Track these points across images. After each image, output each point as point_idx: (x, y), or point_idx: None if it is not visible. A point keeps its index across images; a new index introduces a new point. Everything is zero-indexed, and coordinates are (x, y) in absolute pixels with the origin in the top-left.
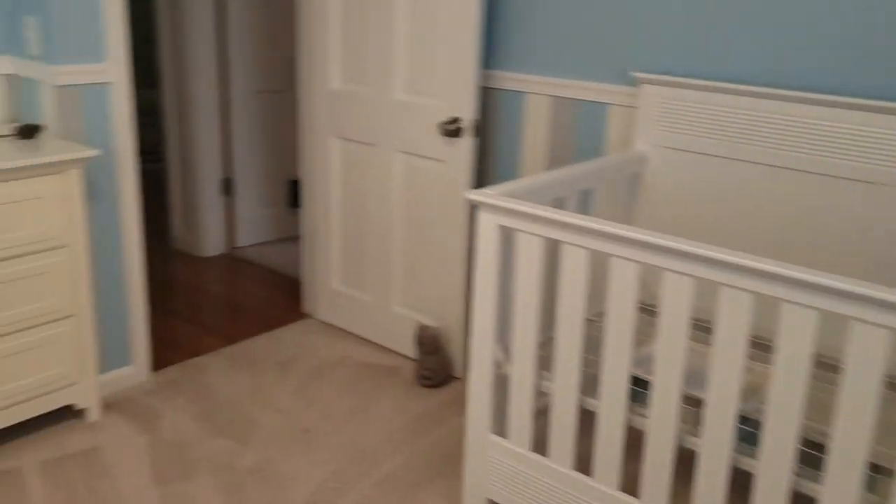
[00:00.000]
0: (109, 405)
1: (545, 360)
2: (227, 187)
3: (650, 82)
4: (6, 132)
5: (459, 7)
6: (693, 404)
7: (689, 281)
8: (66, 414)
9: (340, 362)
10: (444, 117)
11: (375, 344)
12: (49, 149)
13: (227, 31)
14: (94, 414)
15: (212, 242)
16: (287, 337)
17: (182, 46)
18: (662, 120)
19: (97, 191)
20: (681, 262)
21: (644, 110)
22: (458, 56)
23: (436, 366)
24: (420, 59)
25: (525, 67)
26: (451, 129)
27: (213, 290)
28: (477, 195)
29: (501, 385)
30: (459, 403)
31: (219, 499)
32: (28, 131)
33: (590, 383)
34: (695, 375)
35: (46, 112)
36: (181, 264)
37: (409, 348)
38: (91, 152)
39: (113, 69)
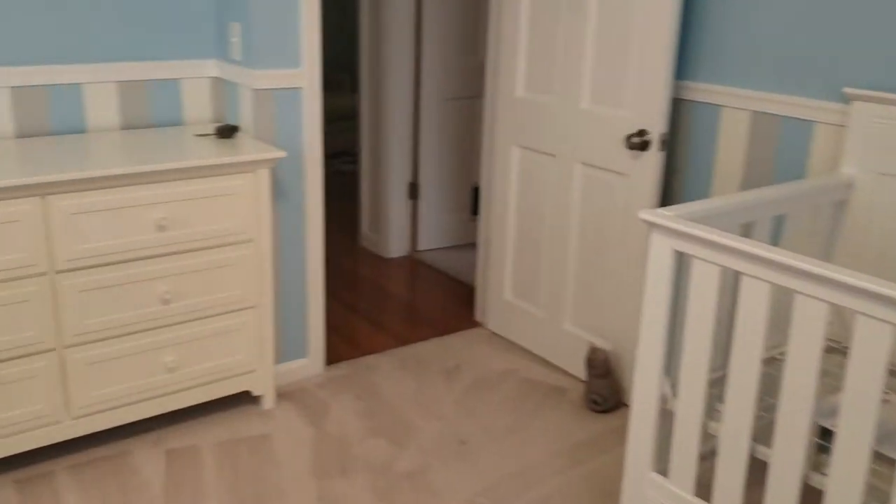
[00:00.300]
0: (283, 394)
1: (716, 399)
2: (413, 191)
3: (863, 99)
4: (208, 131)
5: (653, 14)
6: (887, 466)
7: (889, 329)
8: (244, 399)
9: (507, 375)
10: (631, 129)
11: (544, 360)
12: (243, 148)
13: (422, 39)
14: (268, 402)
15: (395, 244)
16: (457, 344)
17: (380, 54)
18: (876, 142)
19: (284, 189)
20: (877, 306)
21: (855, 130)
22: (649, 65)
23: (606, 390)
24: (608, 67)
25: (720, 79)
26: (638, 142)
27: (392, 290)
28: (650, 215)
29: (666, 421)
30: (626, 432)
31: (371, 500)
32: (226, 131)
33: (765, 430)
34: (891, 433)
35: (244, 113)
36: (365, 263)
37: (578, 369)
38: (280, 153)
39: (306, 74)
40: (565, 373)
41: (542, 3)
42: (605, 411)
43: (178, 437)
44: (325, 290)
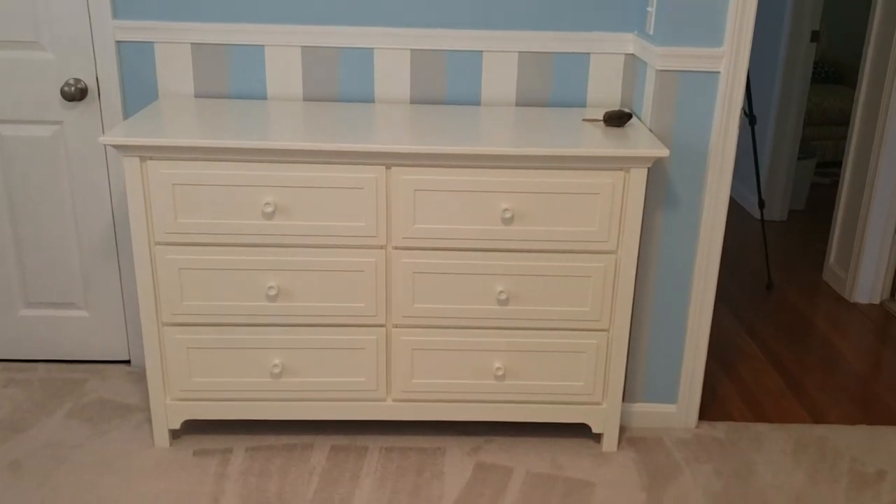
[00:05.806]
0: (632, 440)
1: None
2: None
3: None
4: (597, 117)
5: None
6: None
7: None
8: (582, 432)
9: None
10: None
11: None
12: (625, 140)
13: None
14: (609, 443)
15: (866, 287)
16: None
17: (888, 40)
18: None
19: (675, 198)
20: None
21: None
22: None
23: None
24: None
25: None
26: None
27: (838, 346)
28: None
29: None
30: None
31: None
32: (616, 118)
33: None
34: None
35: (646, 99)
36: (819, 304)
37: None
38: (660, 152)
39: (727, 56)
40: None
41: None
42: None
43: (495, 452)
44: (708, 328)
